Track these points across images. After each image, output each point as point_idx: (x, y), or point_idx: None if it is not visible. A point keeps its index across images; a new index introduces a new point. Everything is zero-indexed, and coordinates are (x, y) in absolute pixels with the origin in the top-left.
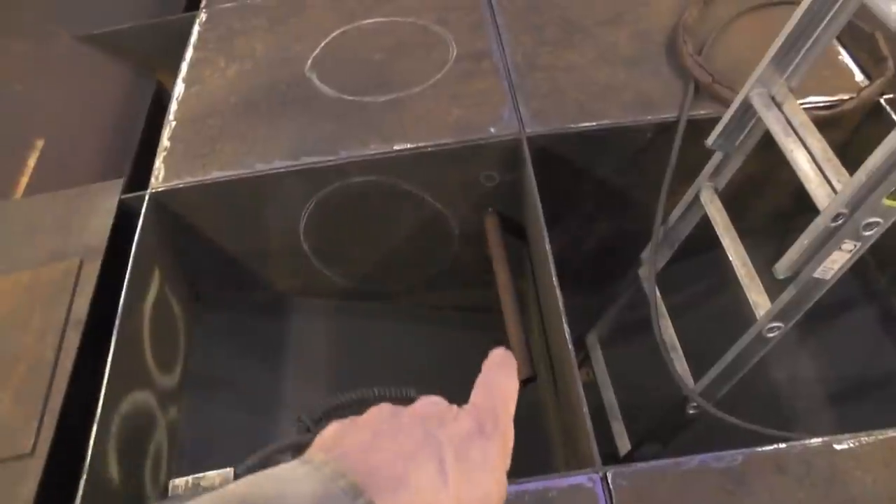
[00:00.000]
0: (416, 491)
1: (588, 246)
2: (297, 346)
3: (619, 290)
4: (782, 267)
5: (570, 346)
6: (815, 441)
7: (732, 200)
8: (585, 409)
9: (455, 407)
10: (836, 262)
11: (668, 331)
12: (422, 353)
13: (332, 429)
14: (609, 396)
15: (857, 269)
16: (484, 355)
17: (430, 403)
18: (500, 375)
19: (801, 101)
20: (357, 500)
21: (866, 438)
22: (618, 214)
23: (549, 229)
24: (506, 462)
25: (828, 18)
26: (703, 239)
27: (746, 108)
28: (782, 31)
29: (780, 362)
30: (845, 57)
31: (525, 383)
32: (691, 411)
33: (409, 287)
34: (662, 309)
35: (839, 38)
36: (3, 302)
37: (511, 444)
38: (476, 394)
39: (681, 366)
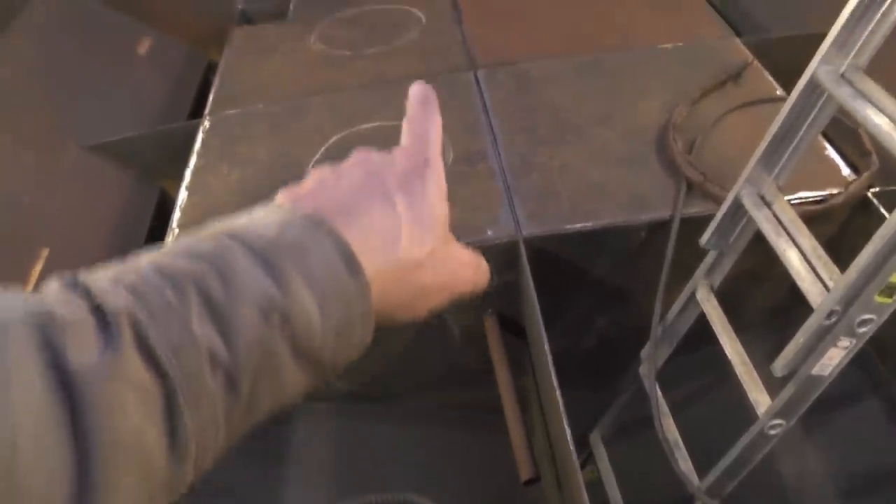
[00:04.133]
0: (368, 217)
1: (589, 343)
2: (297, 450)
3: (620, 386)
4: (780, 365)
5: (572, 447)
6: None
7: (730, 296)
8: None
9: (386, 152)
10: (833, 359)
11: (670, 429)
12: (424, 453)
13: (282, 194)
14: (615, 495)
15: (859, 361)
16: (488, 455)
17: (365, 152)
18: (423, 113)
19: (791, 196)
20: (319, 226)
21: None
22: (617, 312)
23: (549, 328)
24: (441, 187)
25: (810, 119)
26: (704, 334)
27: (737, 208)
28: (767, 132)
29: (787, 457)
30: (831, 152)
31: (528, 483)
32: None
33: (410, 388)
34: (664, 407)
35: (825, 133)
36: None
37: (442, 170)
38: (405, 136)
39: (685, 464)
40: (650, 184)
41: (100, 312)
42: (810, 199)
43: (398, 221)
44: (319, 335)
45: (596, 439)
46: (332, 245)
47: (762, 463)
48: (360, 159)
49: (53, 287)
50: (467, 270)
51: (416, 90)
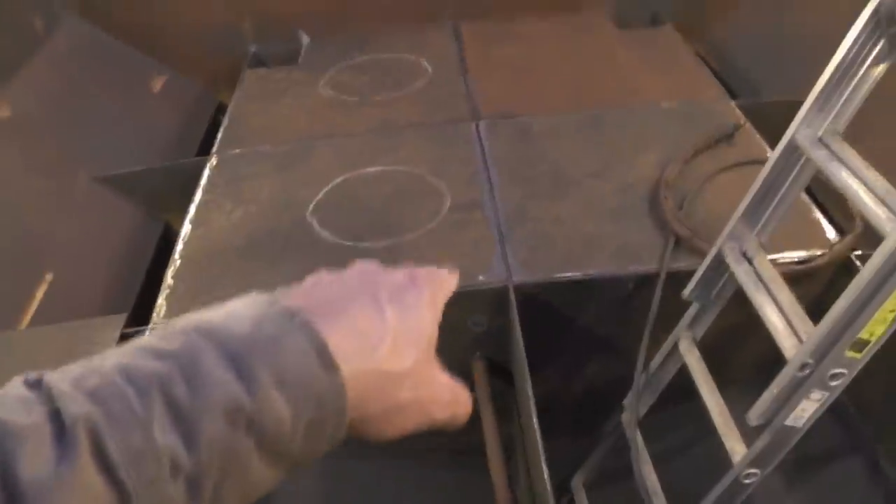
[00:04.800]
0: (353, 318)
1: (574, 391)
2: (283, 488)
3: (604, 433)
4: (754, 414)
5: (549, 488)
6: None
7: (716, 351)
8: None
9: (390, 268)
10: (805, 411)
11: (650, 477)
12: (410, 495)
13: (278, 291)
14: None
15: (842, 421)
16: (472, 499)
17: (366, 263)
18: (440, 270)
19: (777, 255)
20: (294, 318)
21: None
22: (603, 361)
23: (536, 373)
24: (436, 311)
25: (790, 179)
26: (688, 387)
27: (720, 262)
28: (749, 189)
29: None
30: (817, 214)
31: None
32: None
33: None
34: (645, 455)
35: (812, 195)
36: None
37: (441, 304)
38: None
39: None
40: (640, 238)
41: (57, 419)
42: (794, 260)
43: (385, 328)
44: (289, 432)
45: (577, 484)
46: (305, 339)
47: None
48: (361, 268)
49: (14, 385)
50: (447, 396)
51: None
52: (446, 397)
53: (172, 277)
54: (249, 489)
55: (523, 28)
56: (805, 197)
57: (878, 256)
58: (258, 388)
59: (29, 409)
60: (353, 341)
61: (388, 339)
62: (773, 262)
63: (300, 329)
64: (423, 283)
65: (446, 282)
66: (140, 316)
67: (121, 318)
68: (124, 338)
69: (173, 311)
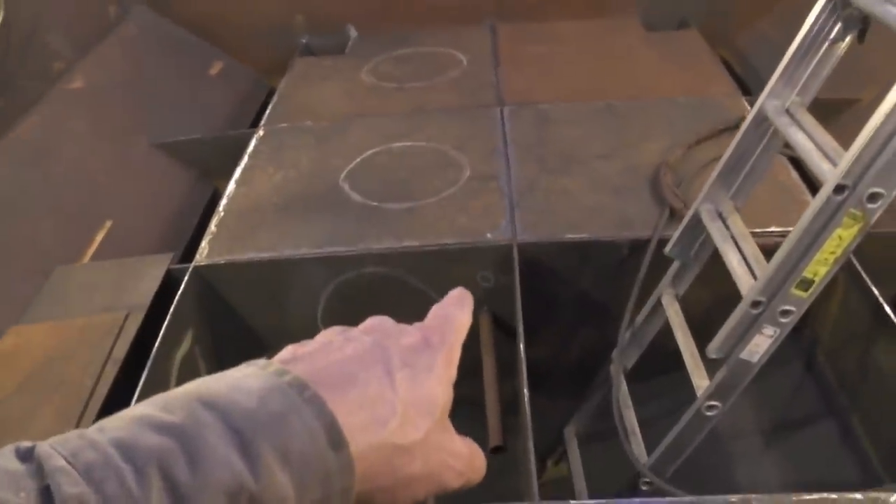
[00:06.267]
0: (362, 389)
1: (572, 350)
2: None
3: (594, 386)
4: (713, 347)
5: (531, 434)
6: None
7: (700, 324)
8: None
9: (404, 325)
10: (759, 346)
11: (630, 419)
12: None
13: (286, 350)
14: (581, 486)
15: (821, 387)
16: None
17: (379, 320)
18: (454, 307)
19: (763, 229)
20: (303, 392)
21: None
22: (598, 322)
23: (535, 331)
24: (451, 372)
25: (760, 147)
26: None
27: (697, 222)
28: (723, 155)
29: (745, 467)
30: (808, 196)
31: (495, 451)
32: (644, 487)
33: None
34: (627, 400)
35: (807, 179)
36: (59, 339)
37: (456, 359)
38: (428, 317)
39: (637, 448)
40: (638, 210)
41: (48, 497)
42: (779, 232)
43: (396, 399)
44: None
45: (570, 435)
46: (314, 415)
47: (721, 475)
48: (373, 325)
49: (5, 456)
50: (460, 464)
51: (456, 291)
52: (459, 466)
53: (216, 226)
54: None
55: (556, 29)
56: (801, 184)
57: (818, 201)
58: (262, 468)
59: (18, 485)
60: (363, 415)
61: (399, 410)
62: (759, 233)
63: (308, 404)
64: (437, 344)
65: (460, 327)
66: (186, 257)
67: (168, 257)
68: (169, 272)
69: (213, 252)
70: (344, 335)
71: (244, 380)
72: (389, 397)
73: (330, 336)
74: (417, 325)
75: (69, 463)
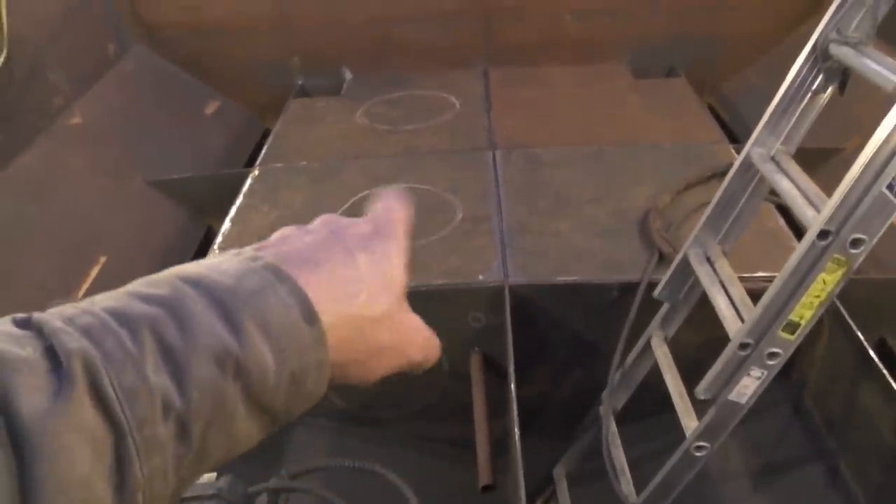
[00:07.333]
0: (329, 268)
1: (562, 391)
2: (294, 459)
3: (584, 426)
4: (702, 388)
5: (521, 474)
6: None
7: (689, 366)
8: None
9: (354, 218)
10: (748, 388)
11: (620, 459)
12: (406, 481)
13: (248, 246)
14: None
15: (808, 430)
16: (465, 489)
17: (330, 216)
18: (394, 200)
19: (751, 274)
20: (276, 273)
21: None
22: (589, 364)
23: (526, 371)
24: (403, 259)
25: (747, 194)
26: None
27: (686, 265)
28: (711, 202)
29: None
30: (794, 241)
31: (485, 490)
32: None
33: (401, 416)
34: (617, 440)
35: (792, 224)
36: None
37: (405, 248)
38: (373, 212)
39: (627, 486)
40: (627, 253)
41: (52, 354)
42: (766, 277)
43: (359, 275)
44: (273, 383)
45: (559, 474)
46: (288, 293)
47: None
48: (326, 220)
49: (3, 324)
50: (420, 338)
51: (392, 190)
52: (420, 339)
53: None
54: (233, 442)
55: (547, 75)
56: (788, 230)
57: (802, 245)
58: (245, 336)
59: (22, 344)
60: (332, 290)
61: (363, 286)
62: (747, 277)
63: (282, 282)
64: (389, 232)
65: (405, 219)
66: None
67: None
68: None
69: None
70: (301, 229)
71: (220, 264)
72: (354, 274)
73: (287, 231)
74: (365, 217)
75: (68, 324)
